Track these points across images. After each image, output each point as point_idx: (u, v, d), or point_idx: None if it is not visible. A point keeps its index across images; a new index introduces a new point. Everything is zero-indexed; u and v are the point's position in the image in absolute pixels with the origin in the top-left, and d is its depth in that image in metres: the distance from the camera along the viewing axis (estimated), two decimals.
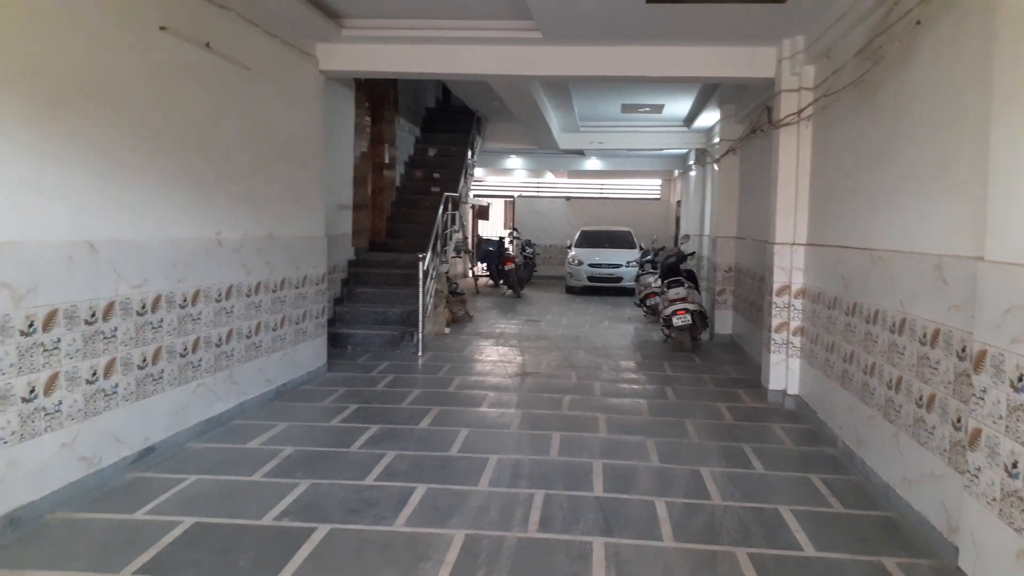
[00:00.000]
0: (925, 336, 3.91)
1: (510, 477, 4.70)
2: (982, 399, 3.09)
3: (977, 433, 3.12)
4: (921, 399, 3.94)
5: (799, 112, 6.40)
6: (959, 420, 3.51)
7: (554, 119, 12.07)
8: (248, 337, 6.08)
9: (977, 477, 3.12)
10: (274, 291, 6.51)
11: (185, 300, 5.20)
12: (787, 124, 6.56)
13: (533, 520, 4.03)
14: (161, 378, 4.95)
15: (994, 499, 2.99)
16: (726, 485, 4.63)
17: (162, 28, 4.90)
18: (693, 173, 14.63)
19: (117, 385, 4.52)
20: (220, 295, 5.65)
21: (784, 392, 6.72)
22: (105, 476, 4.40)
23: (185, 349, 5.22)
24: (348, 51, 7.39)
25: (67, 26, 4.10)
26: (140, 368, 4.73)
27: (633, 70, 7.20)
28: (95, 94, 4.31)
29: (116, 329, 4.50)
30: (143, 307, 4.74)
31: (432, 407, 6.36)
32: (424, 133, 13.25)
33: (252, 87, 6.08)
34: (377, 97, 10.78)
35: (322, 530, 3.84)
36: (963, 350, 3.48)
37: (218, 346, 5.64)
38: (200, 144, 5.39)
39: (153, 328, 4.86)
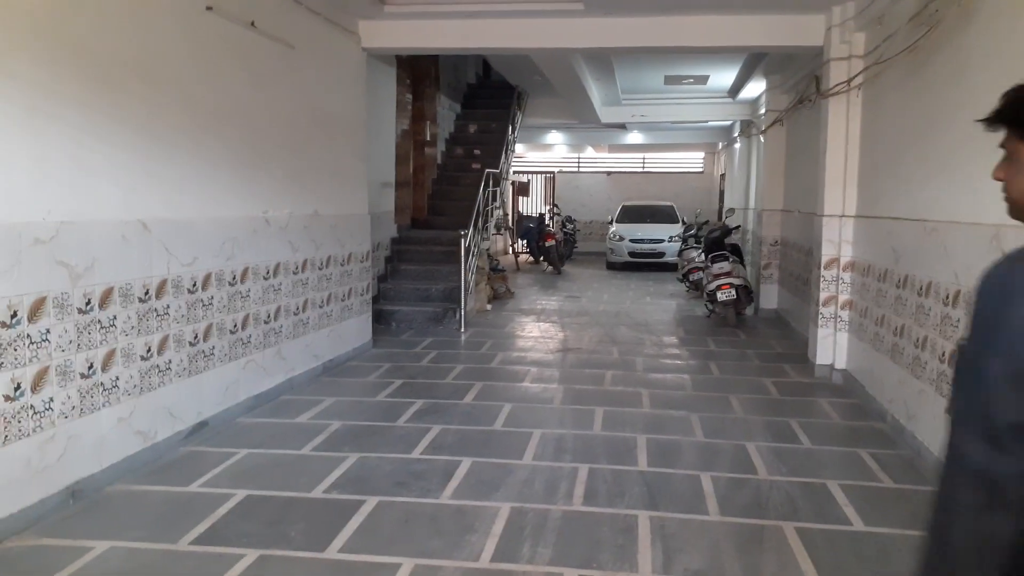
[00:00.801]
0: None
1: (554, 451, 4.72)
2: None
3: None
4: None
5: (849, 81, 6.23)
6: None
7: (595, 92, 11.94)
8: (295, 314, 6.19)
9: None
10: (320, 268, 6.60)
11: (234, 278, 5.31)
12: (836, 93, 6.39)
13: (577, 494, 4.05)
14: (212, 354, 5.08)
15: None
16: (772, 460, 4.59)
17: (208, 8, 4.95)
18: (738, 145, 14.37)
19: (171, 361, 4.64)
20: (268, 272, 5.75)
21: (832, 367, 6.61)
22: (160, 450, 4.54)
23: (235, 326, 5.34)
24: (390, 28, 7.39)
25: (114, 7, 4.17)
26: (192, 345, 4.85)
27: (676, 40, 7.08)
28: (143, 75, 4.39)
29: (168, 307, 4.61)
30: (194, 285, 4.85)
31: (475, 382, 6.42)
32: (464, 109, 13.21)
33: (296, 66, 6.13)
34: (418, 74, 10.78)
35: (371, 502, 3.91)
36: None
37: (266, 323, 5.75)
38: (245, 123, 5.46)
39: (204, 305, 4.97)
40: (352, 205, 7.29)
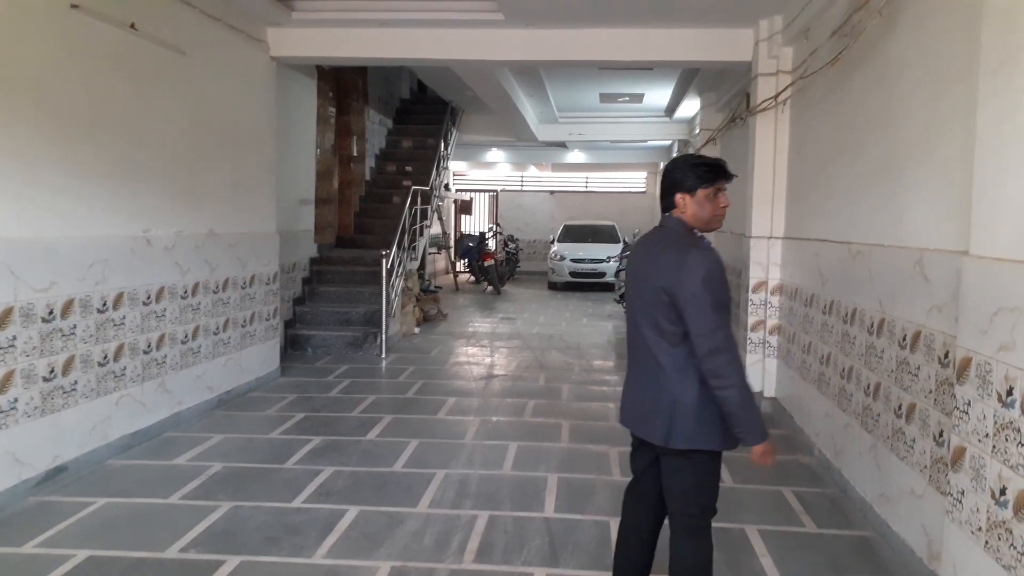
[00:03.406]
0: (905, 339, 3.50)
1: (454, 496, 4.28)
2: (966, 413, 2.68)
3: (960, 452, 2.71)
4: (900, 408, 3.54)
5: (776, 96, 5.98)
6: (941, 434, 3.11)
7: (530, 109, 11.63)
8: (183, 342, 5.65)
9: (960, 502, 2.71)
10: (215, 292, 6.07)
11: (105, 304, 4.76)
12: (764, 110, 6.15)
13: (471, 548, 3.62)
14: (74, 390, 4.51)
15: (979, 528, 2.58)
16: None
17: (74, 6, 4.46)
18: None
19: (16, 400, 4.08)
20: (149, 297, 5.21)
21: (760, 395, 6.31)
22: (1, 501, 3.97)
23: (105, 357, 4.78)
24: (300, 36, 6.95)
25: None
26: (46, 380, 4.29)
27: (602, 54, 6.78)
28: None
29: (15, 338, 4.06)
30: (50, 313, 4.30)
31: (385, 415, 5.94)
32: (397, 125, 12.78)
33: (191, 73, 5.64)
34: (344, 87, 10.33)
35: (231, 563, 3.42)
36: (945, 356, 3.08)
37: (146, 353, 5.20)
38: (126, 134, 4.95)
39: (63, 335, 4.42)
40: (257, 223, 6.77)
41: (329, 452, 5.02)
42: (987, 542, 2.52)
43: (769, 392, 6.21)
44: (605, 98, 11.27)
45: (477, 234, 17.57)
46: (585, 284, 16.26)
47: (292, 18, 6.72)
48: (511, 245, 18.31)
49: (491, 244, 17.05)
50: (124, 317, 4.95)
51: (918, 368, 3.34)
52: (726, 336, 2.38)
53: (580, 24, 6.61)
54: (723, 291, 2.41)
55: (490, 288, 16.23)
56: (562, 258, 16.40)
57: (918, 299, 3.35)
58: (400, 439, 5.33)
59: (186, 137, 5.63)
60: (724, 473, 4.71)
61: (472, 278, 17.69)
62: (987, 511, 2.53)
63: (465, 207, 20.15)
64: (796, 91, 5.69)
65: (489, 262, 15.92)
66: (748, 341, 6.34)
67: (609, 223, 18.13)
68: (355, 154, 10.68)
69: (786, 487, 4.49)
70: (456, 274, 17.72)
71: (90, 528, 3.79)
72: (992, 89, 2.58)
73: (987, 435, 2.54)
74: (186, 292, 5.65)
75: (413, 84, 13.85)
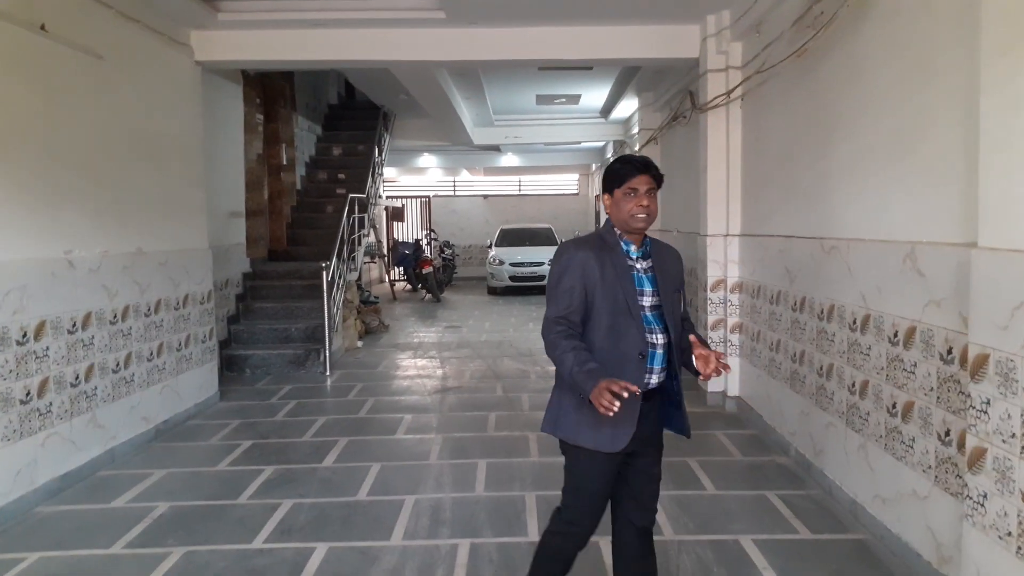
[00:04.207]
0: (896, 335, 3.41)
1: (429, 524, 3.99)
2: (984, 413, 2.57)
3: (980, 453, 2.60)
4: (894, 407, 3.45)
5: (728, 93, 5.91)
6: (947, 433, 3.01)
7: (466, 112, 11.38)
8: (115, 371, 5.17)
9: (982, 505, 2.60)
10: (147, 315, 5.59)
11: (25, 335, 4.28)
12: (715, 107, 6.07)
13: None
14: None
15: (1008, 533, 2.47)
16: (677, 513, 4.06)
17: None
18: None
19: None
20: (75, 325, 4.73)
21: (724, 394, 6.25)
22: None
23: (28, 394, 4.30)
24: (227, 39, 6.52)
25: None
26: None
27: (546, 53, 6.60)
28: None
29: None
30: None
31: (339, 438, 5.59)
32: (327, 131, 12.33)
33: (109, 80, 5.17)
34: (271, 94, 9.85)
35: None
36: (948, 352, 2.98)
37: (74, 386, 4.72)
38: (40, 147, 4.48)
39: None
40: (187, 239, 6.31)
41: (284, 483, 4.65)
42: (1020, 548, 2.40)
43: (733, 391, 6.13)
44: (542, 100, 11.11)
45: (412, 241, 17.20)
46: (525, 288, 16.10)
47: (218, 20, 6.30)
48: (447, 251, 18.00)
49: (427, 251, 16.71)
50: (47, 348, 4.47)
51: (915, 365, 3.25)
52: (547, 322, 2.48)
53: (523, 23, 6.41)
54: (564, 279, 2.46)
55: (429, 296, 15.89)
56: (501, 263, 16.20)
57: (911, 294, 3.25)
58: (360, 464, 5.00)
59: (107, 149, 5.16)
60: (702, 477, 4.58)
61: (409, 286, 17.31)
62: (1018, 515, 2.41)
63: (397, 214, 19.72)
64: (751, 86, 5.62)
65: (427, 269, 15.58)
66: (708, 340, 6.24)
67: (546, 226, 18.05)
68: (285, 163, 10.20)
69: (768, 491, 4.37)
70: (393, 283, 17.30)
71: None
72: (995, 76, 2.48)
73: (1013, 435, 2.44)
74: (115, 317, 5.17)
75: (341, 89, 13.40)
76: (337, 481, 4.69)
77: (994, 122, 2.49)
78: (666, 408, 2.58)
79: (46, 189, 4.51)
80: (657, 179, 2.49)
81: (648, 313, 2.45)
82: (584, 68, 8.55)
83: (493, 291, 16.55)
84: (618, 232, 2.51)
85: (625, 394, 2.14)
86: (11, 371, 4.17)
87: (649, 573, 2.71)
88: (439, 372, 8.07)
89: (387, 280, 17.64)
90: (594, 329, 2.44)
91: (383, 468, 4.91)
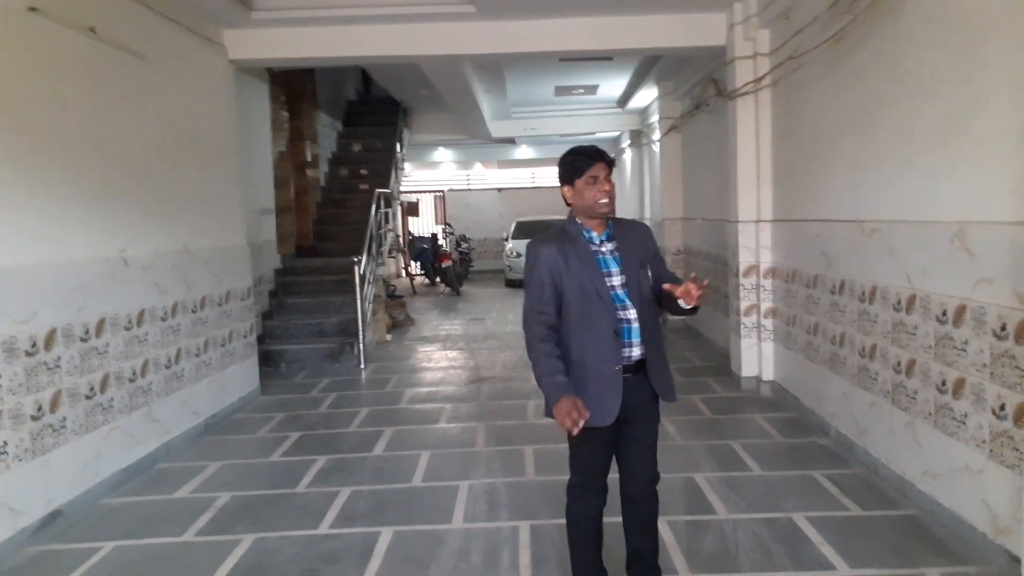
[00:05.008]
0: (945, 314, 3.50)
1: (487, 508, 4.11)
2: None
3: None
4: (944, 384, 3.54)
5: (758, 80, 5.98)
6: (1002, 408, 3.11)
7: (486, 106, 11.45)
8: (167, 367, 5.31)
9: None
10: (194, 311, 5.73)
11: (87, 332, 4.41)
12: (744, 94, 6.14)
13: (524, 562, 3.46)
14: (64, 427, 4.16)
15: None
16: (727, 493, 4.16)
17: (32, 9, 4.09)
18: (627, 156, 14.26)
19: (6, 443, 3.72)
20: (131, 322, 4.86)
21: (758, 378, 6.34)
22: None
23: (92, 389, 4.43)
24: (260, 37, 6.62)
25: None
26: (34, 419, 3.94)
27: (574, 44, 6.67)
28: None
29: None
30: (33, 345, 3.95)
31: (384, 428, 5.71)
32: (347, 127, 12.43)
33: (153, 81, 5.29)
34: (294, 91, 9.95)
35: None
36: (1002, 328, 3.07)
37: (132, 381, 4.86)
38: (95, 147, 4.60)
39: (48, 369, 4.07)
40: (228, 236, 6.43)
41: (338, 472, 4.78)
42: None
43: (767, 375, 6.22)
44: (560, 91, 11.17)
45: (429, 236, 17.31)
46: None
47: (251, 18, 6.39)
48: (464, 245, 18.11)
49: (444, 245, 16.82)
50: (108, 344, 4.60)
51: (965, 342, 3.34)
52: (528, 320, 2.67)
53: (550, 14, 6.48)
54: (534, 275, 2.67)
55: (447, 290, 16.00)
56: (519, 255, 16.28)
57: (960, 273, 3.34)
58: (409, 452, 5.12)
59: (154, 148, 5.28)
60: (751, 461, 4.68)
61: (427, 281, 17.43)
62: None
63: (412, 209, 19.83)
64: (782, 73, 5.69)
65: (446, 263, 15.69)
66: (742, 326, 6.34)
67: (561, 218, 18.07)
68: (309, 159, 10.31)
69: (815, 470, 4.47)
70: (412, 277, 17.42)
71: (106, 575, 3.49)
72: None
73: None
74: (166, 313, 5.31)
75: (359, 84, 13.50)
76: (390, 469, 4.81)
77: None
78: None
79: (102, 189, 4.63)
80: (610, 164, 2.69)
81: (619, 291, 2.66)
82: (604, 59, 8.59)
83: (511, 283, 16.65)
84: (580, 221, 2.71)
85: (581, 422, 2.43)
86: (76, 367, 4.30)
87: (642, 547, 2.89)
88: (471, 363, 8.19)
89: (405, 275, 17.76)
90: (570, 315, 2.65)
91: (432, 456, 5.03)
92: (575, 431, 2.45)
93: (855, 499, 4.01)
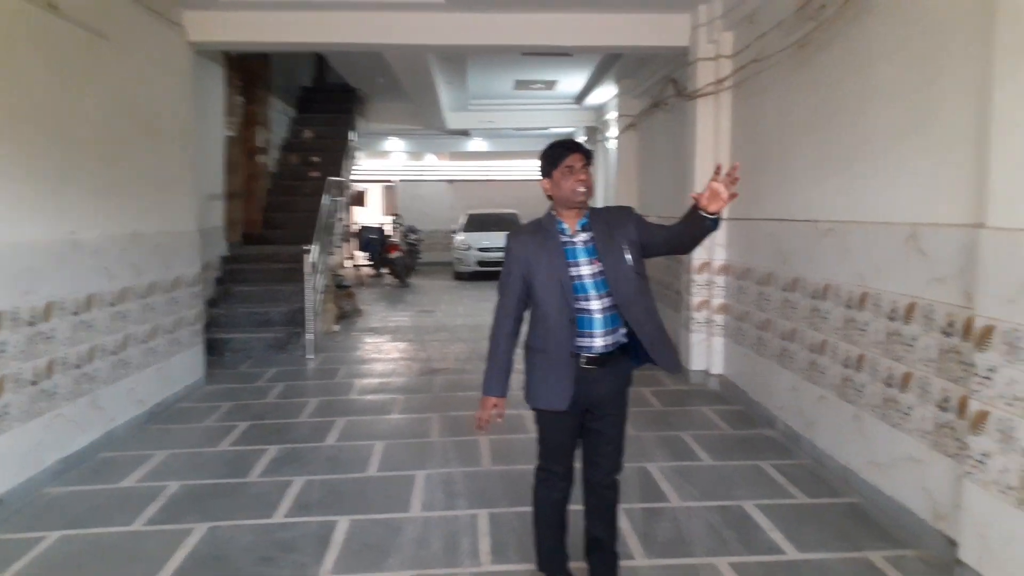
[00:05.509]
0: (895, 311, 3.64)
1: (444, 497, 4.11)
2: (988, 379, 2.81)
3: (983, 416, 2.84)
4: (891, 378, 3.68)
5: (720, 81, 6.10)
6: (946, 400, 3.25)
7: (445, 96, 11.40)
8: (114, 353, 5.15)
9: (984, 463, 2.84)
10: (143, 297, 5.56)
11: (34, 316, 4.25)
12: (706, 94, 6.25)
13: (483, 549, 3.48)
14: (7, 414, 4.01)
15: (1010, 487, 2.71)
16: (680, 483, 4.26)
17: None
18: None
19: None
20: (78, 307, 4.70)
21: (707, 372, 6.48)
22: None
23: (36, 376, 4.28)
24: (220, 20, 6.46)
25: None
26: None
27: (540, 39, 6.71)
28: None
29: None
30: None
31: (336, 418, 5.66)
32: (300, 114, 12.22)
33: (111, 60, 5.12)
34: (249, 75, 9.73)
35: None
36: (950, 325, 3.21)
37: (78, 367, 4.70)
38: (48, 126, 4.44)
39: None
40: (178, 221, 6.27)
41: (291, 462, 4.71)
42: (1021, 499, 2.64)
43: (717, 370, 6.36)
44: (520, 85, 11.20)
45: (377, 226, 17.16)
46: (494, 272, 16.17)
47: (213, 0, 6.23)
48: (413, 236, 17.99)
49: (393, 235, 16.69)
50: (54, 330, 4.44)
51: (914, 338, 3.48)
52: (496, 311, 2.84)
53: (518, 8, 6.50)
54: (506, 268, 2.81)
55: (395, 281, 15.89)
56: (469, 247, 16.28)
57: (912, 272, 3.48)
58: (362, 442, 5.09)
59: (108, 128, 5.11)
60: (701, 452, 4.79)
61: (373, 271, 17.27)
62: (1021, 470, 2.65)
63: (358, 198, 19.59)
64: (744, 75, 5.80)
65: (395, 254, 15.57)
66: (692, 321, 6.48)
67: (513, 211, 18.15)
68: (261, 145, 10.11)
69: (762, 461, 4.60)
70: (359, 267, 17.24)
71: (52, 567, 3.38)
72: (1008, 71, 2.70)
73: (1017, 399, 2.67)
74: (114, 299, 5.15)
75: (314, 70, 13.27)
76: (344, 459, 4.77)
77: (1006, 114, 2.70)
78: (640, 356, 2.81)
79: (54, 169, 4.47)
80: (587, 155, 2.76)
81: (587, 281, 2.69)
82: (564, 55, 8.65)
83: (460, 276, 16.63)
84: (555, 214, 2.79)
85: (499, 419, 2.85)
86: (22, 352, 4.14)
87: (601, 535, 2.97)
88: (422, 355, 8.16)
89: (353, 265, 17.56)
90: (538, 302, 2.74)
91: (387, 445, 5.00)
92: (483, 428, 2.80)
93: (802, 488, 4.15)
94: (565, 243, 2.75)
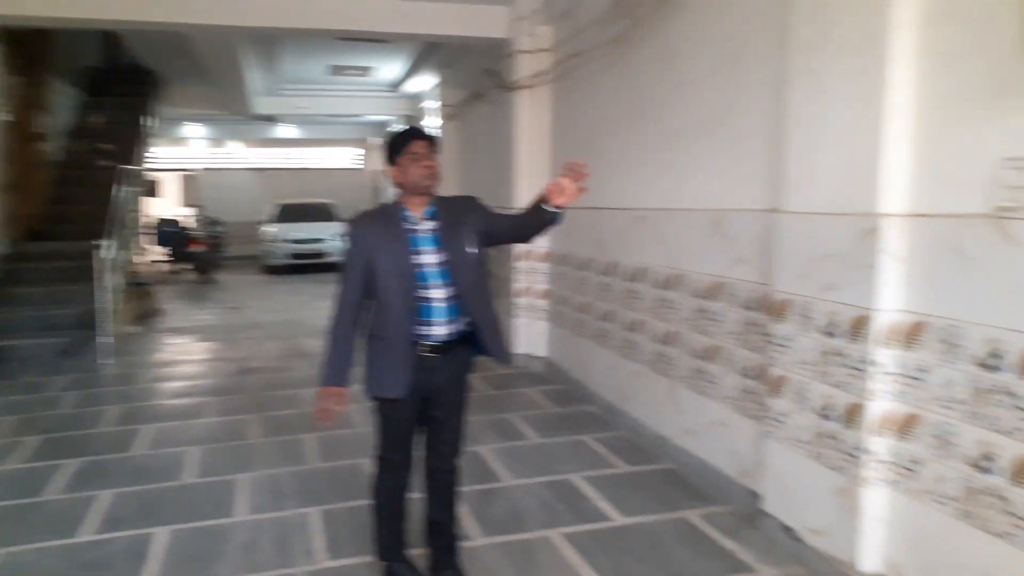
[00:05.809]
0: (702, 290, 3.95)
1: (271, 499, 3.93)
2: (785, 346, 3.13)
3: (781, 380, 3.16)
4: (700, 351, 4.00)
5: (539, 74, 6.27)
6: (749, 368, 3.58)
7: (254, 80, 10.80)
8: None
9: (782, 422, 3.17)
10: None
11: None
12: (524, 87, 6.41)
13: (318, 547, 3.37)
14: None
15: (803, 441, 3.04)
16: (510, 462, 4.37)
17: None
18: None
19: None
20: None
21: (530, 355, 6.68)
22: None
23: None
24: None
25: None
26: None
27: (355, 24, 6.55)
28: None
29: None
30: None
31: (142, 426, 5.22)
32: (90, 97, 11.05)
33: None
34: (27, 53, 8.64)
35: None
36: (751, 300, 3.54)
37: None
38: None
39: None
40: None
41: (95, 475, 4.29)
42: (820, 453, 2.97)
43: (541, 352, 6.58)
44: (336, 70, 10.86)
45: (176, 218, 16.00)
46: (307, 266, 15.66)
47: None
48: (215, 229, 16.91)
49: (195, 228, 15.63)
50: None
51: (720, 314, 3.80)
52: (336, 301, 2.76)
53: None
54: (347, 256, 2.74)
55: (198, 276, 14.90)
56: (280, 240, 15.61)
57: (717, 254, 3.80)
58: (174, 449, 4.73)
59: None
60: (528, 431, 4.94)
61: (172, 266, 16.08)
62: (816, 427, 2.98)
63: (151, 189, 18.11)
64: (563, 69, 5.98)
65: (197, 248, 14.59)
66: (517, 307, 6.65)
67: (327, 201, 17.62)
68: (40, 132, 9.04)
69: (585, 435, 4.83)
70: (156, 263, 15.98)
71: None
72: (800, 69, 3.01)
73: (807, 363, 3.00)
74: None
75: (105, 50, 12.05)
76: (154, 468, 4.41)
77: (799, 107, 3.01)
78: (479, 345, 2.84)
79: None
80: (431, 141, 2.74)
81: (431, 270, 2.68)
82: (380, 41, 8.51)
83: (271, 269, 15.91)
84: (400, 201, 2.74)
85: (338, 409, 2.73)
86: None
87: (441, 519, 3.00)
88: (234, 354, 7.71)
89: (151, 261, 16.24)
90: (380, 289, 2.68)
91: (202, 451, 4.69)
92: (326, 421, 2.70)
93: (622, 457, 4.42)
94: (409, 231, 2.71)
